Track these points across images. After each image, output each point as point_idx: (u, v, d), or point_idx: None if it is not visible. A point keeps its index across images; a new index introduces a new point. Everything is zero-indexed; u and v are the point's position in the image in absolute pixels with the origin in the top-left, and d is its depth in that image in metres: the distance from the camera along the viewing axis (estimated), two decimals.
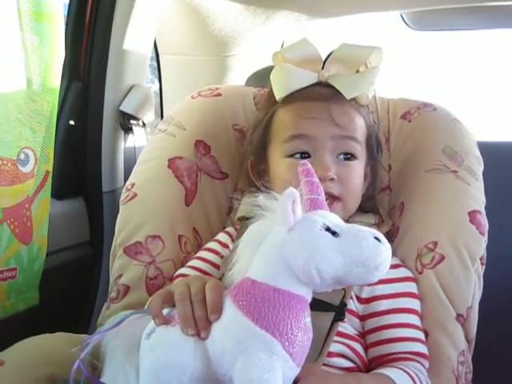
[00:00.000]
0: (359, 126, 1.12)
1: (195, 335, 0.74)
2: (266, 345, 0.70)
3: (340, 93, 1.08)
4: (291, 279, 0.73)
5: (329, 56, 1.14)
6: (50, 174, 1.26)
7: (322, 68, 1.13)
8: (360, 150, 1.10)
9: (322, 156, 1.06)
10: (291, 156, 1.09)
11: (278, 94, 1.13)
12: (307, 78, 1.11)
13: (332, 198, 1.05)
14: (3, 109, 1.14)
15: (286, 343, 0.70)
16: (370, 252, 0.72)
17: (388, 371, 0.93)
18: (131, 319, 0.84)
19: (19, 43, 1.15)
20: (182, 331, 0.75)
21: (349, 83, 1.10)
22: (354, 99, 1.11)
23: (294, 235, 0.74)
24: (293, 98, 1.11)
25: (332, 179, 1.05)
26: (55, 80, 1.24)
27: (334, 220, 0.76)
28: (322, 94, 1.10)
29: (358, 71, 1.13)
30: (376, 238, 0.73)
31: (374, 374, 0.94)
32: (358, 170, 1.10)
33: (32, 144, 1.20)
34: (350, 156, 1.09)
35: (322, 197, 0.79)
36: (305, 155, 1.07)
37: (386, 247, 0.74)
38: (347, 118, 1.09)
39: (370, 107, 1.20)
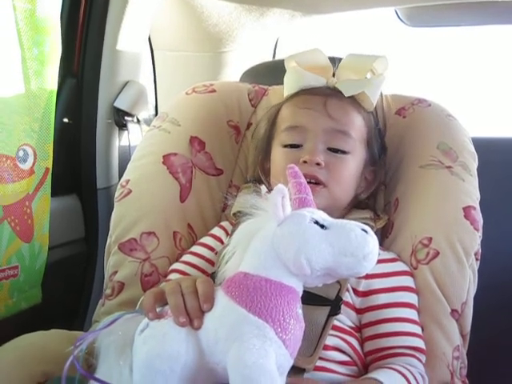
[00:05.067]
0: (355, 122, 1.13)
1: (187, 324, 0.75)
2: (259, 331, 0.71)
3: (341, 92, 1.12)
4: (282, 271, 0.75)
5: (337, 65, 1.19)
6: (50, 171, 1.26)
7: (333, 76, 1.17)
8: (354, 146, 1.11)
9: (311, 143, 1.09)
10: (285, 146, 1.12)
11: (286, 92, 1.19)
12: (316, 80, 1.16)
13: (316, 183, 1.06)
14: (0, 106, 1.14)
15: (279, 329, 0.72)
16: (358, 242, 0.74)
17: (380, 375, 0.93)
18: (124, 319, 0.84)
19: (16, 42, 1.15)
20: (174, 322, 0.76)
21: (351, 84, 1.14)
22: (357, 102, 1.14)
23: (284, 228, 0.76)
24: (297, 94, 1.16)
25: (318, 164, 1.06)
26: (53, 77, 1.24)
27: (323, 215, 0.78)
28: (323, 91, 1.14)
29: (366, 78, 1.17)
30: (363, 230, 0.76)
31: (364, 380, 0.94)
32: (349, 163, 1.11)
33: (31, 141, 1.20)
34: (339, 151, 1.10)
35: (310, 196, 0.81)
36: (297, 146, 1.11)
37: (372, 238, 0.76)
38: (342, 112, 1.12)
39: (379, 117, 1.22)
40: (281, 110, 1.19)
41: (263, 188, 0.82)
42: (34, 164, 1.21)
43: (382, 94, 1.22)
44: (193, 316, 0.76)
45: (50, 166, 1.26)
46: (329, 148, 1.09)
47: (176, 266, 1.13)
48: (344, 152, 1.10)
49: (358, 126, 1.13)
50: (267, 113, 1.25)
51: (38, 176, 1.23)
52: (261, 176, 1.20)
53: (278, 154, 1.14)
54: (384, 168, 1.22)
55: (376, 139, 1.18)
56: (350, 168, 1.11)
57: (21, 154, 1.18)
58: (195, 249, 1.15)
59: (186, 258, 1.14)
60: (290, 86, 1.19)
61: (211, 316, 0.76)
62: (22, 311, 1.26)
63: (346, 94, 1.11)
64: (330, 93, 1.13)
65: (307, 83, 1.16)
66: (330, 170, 1.08)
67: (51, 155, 1.26)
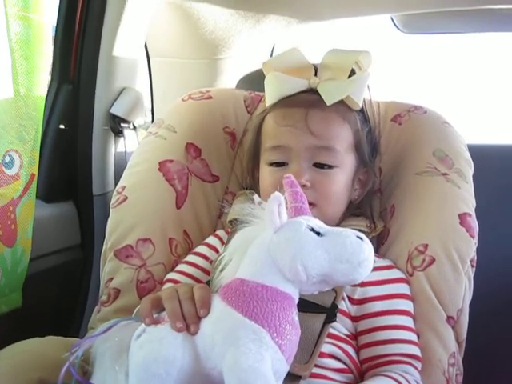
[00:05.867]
0: (340, 134, 1.11)
1: (184, 329, 0.76)
2: (255, 335, 0.72)
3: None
4: (278, 277, 0.76)
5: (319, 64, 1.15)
6: (36, 177, 1.26)
7: (315, 75, 1.13)
8: (340, 159, 1.09)
9: (296, 164, 1.08)
10: (271, 165, 1.11)
11: (268, 101, 1.15)
12: (297, 85, 1.12)
13: None
14: None
15: (275, 334, 0.73)
16: (354, 249, 0.75)
17: (376, 382, 0.93)
18: (121, 325, 0.85)
19: (7, 48, 1.15)
20: (171, 328, 0.76)
21: (333, 88, 1.10)
22: (342, 104, 1.11)
23: (280, 235, 0.77)
24: (278, 104, 1.13)
25: (304, 185, 1.05)
26: (42, 84, 1.24)
27: (318, 223, 0.79)
28: (304, 101, 1.11)
29: (354, 73, 1.12)
30: (358, 237, 0.77)
31: None
32: (337, 177, 1.09)
33: (17, 147, 1.20)
34: (325, 166, 1.09)
35: (306, 205, 0.82)
36: (282, 164, 1.10)
37: (368, 245, 0.77)
38: (323, 126, 1.09)
39: (369, 113, 1.20)
40: (264, 120, 1.17)
41: (256, 197, 0.82)
42: (19, 170, 1.21)
43: (368, 87, 1.17)
44: (189, 321, 0.76)
45: (36, 172, 1.26)
46: (315, 164, 1.08)
47: (171, 275, 1.13)
48: (330, 166, 1.09)
49: (343, 136, 1.11)
50: (252, 122, 1.25)
51: (24, 182, 1.22)
52: (252, 184, 1.20)
53: (264, 172, 1.13)
54: (375, 175, 1.21)
55: (365, 139, 1.15)
56: (339, 181, 1.10)
57: (7, 159, 1.18)
58: (190, 258, 1.15)
59: (181, 267, 1.14)
60: (270, 94, 1.15)
61: (208, 321, 0.76)
62: (14, 316, 1.26)
63: (328, 103, 1.08)
64: (312, 101, 1.09)
65: (288, 90, 1.12)
66: (317, 188, 1.07)
67: (37, 161, 1.25)
